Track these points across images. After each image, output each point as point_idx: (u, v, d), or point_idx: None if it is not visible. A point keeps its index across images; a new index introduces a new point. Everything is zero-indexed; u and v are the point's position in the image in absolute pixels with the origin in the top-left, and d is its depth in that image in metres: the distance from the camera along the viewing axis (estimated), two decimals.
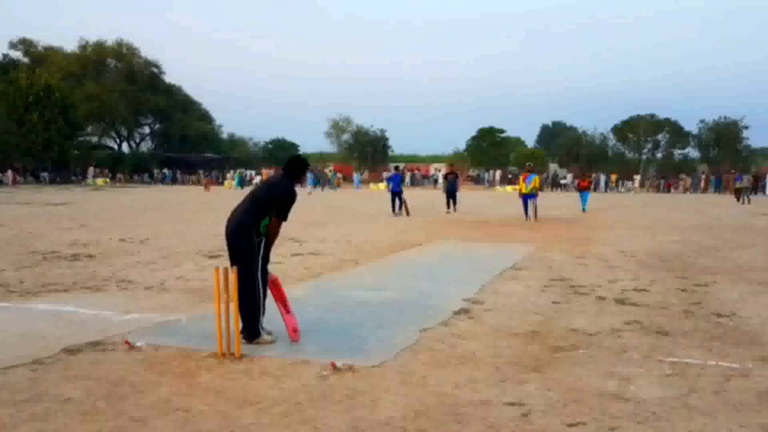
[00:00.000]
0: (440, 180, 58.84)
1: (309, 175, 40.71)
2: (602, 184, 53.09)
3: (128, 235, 12.87)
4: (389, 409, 3.63)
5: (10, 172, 48.63)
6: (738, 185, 31.93)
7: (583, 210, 22.20)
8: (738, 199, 30.85)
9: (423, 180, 58.81)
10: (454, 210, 20.95)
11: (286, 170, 5.28)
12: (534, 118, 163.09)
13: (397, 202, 19.90)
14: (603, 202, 31.47)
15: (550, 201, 32.55)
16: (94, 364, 4.42)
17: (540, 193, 19.45)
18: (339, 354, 4.64)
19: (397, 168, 24.09)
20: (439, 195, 22.00)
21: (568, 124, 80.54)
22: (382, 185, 48.44)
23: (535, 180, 18.15)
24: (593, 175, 48.44)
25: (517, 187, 20.09)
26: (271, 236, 5.06)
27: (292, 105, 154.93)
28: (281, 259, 9.67)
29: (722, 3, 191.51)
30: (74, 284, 7.52)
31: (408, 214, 19.46)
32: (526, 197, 18.10)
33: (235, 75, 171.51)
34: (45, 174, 51.56)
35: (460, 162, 61.55)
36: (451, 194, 21.26)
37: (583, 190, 23.75)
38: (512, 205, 22.78)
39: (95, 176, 53.85)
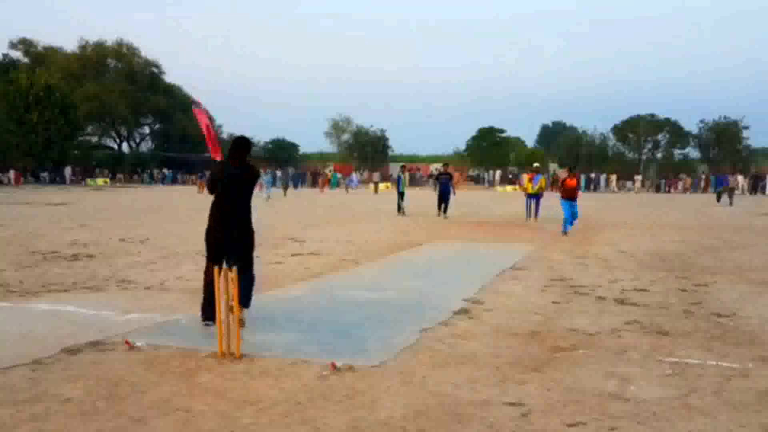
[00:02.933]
0: (431, 181, 58.77)
1: (265, 177, 32.65)
2: (602, 183, 53.11)
3: (128, 235, 12.86)
4: (389, 409, 3.63)
5: (12, 172, 48.43)
6: (723, 188, 31.52)
7: (564, 231, 14.25)
8: (718, 200, 30.08)
9: (428, 180, 58.64)
10: (445, 215, 19.02)
11: (232, 154, 5.58)
12: (534, 118, 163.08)
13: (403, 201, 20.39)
14: (603, 202, 31.47)
15: (549, 201, 32.49)
16: (94, 364, 4.42)
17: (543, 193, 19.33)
18: (339, 354, 4.64)
19: (403, 167, 24.52)
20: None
21: (568, 124, 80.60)
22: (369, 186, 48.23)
23: (541, 181, 18.21)
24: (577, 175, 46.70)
25: (516, 186, 19.67)
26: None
27: (292, 105, 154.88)
28: (281, 259, 9.68)
29: (723, 3, 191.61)
30: (74, 284, 7.52)
31: (403, 213, 19.96)
32: (532, 197, 18.08)
33: (235, 75, 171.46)
34: (45, 174, 51.53)
35: (460, 162, 61.55)
36: (444, 197, 19.32)
37: (568, 197, 14.63)
38: (512, 205, 22.79)
39: (73, 177, 52.75)
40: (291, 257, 10.00)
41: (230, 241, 5.30)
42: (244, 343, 4.80)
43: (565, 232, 14.16)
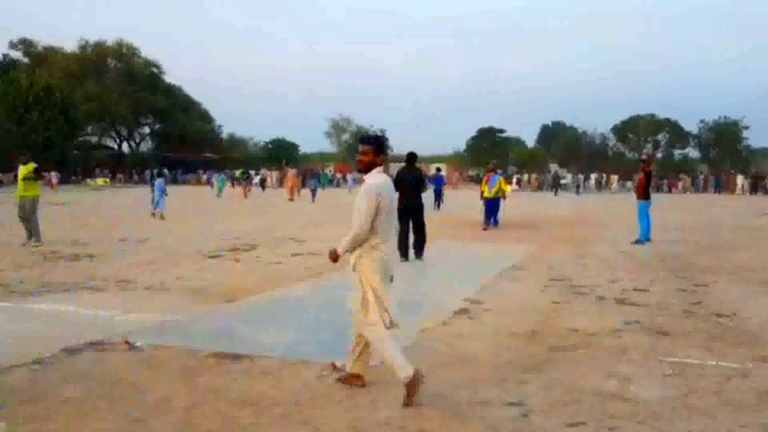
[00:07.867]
0: (433, 179, 58.65)
1: (159, 181, 21.24)
2: (592, 184, 53.16)
3: (128, 235, 12.86)
4: (389, 409, 3.63)
5: (54, 174, 42.54)
6: None
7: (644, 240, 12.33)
8: None
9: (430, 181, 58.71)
10: (495, 223, 15.85)
11: (408, 162, 9.72)
12: (534, 118, 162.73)
13: (438, 200, 22.97)
14: (603, 203, 31.48)
15: (551, 201, 32.62)
16: (94, 364, 4.42)
17: (508, 194, 16.83)
18: (339, 354, 4.63)
19: (438, 170, 26.97)
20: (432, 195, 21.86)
21: (568, 124, 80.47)
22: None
23: (499, 182, 15.60)
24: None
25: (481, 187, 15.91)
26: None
27: (292, 105, 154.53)
28: (282, 259, 9.68)
29: (723, 4, 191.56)
30: (74, 284, 7.51)
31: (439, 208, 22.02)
32: (489, 202, 15.41)
33: (236, 75, 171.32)
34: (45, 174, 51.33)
35: (460, 162, 61.59)
36: (494, 202, 15.76)
37: (644, 197, 12.81)
38: (512, 205, 22.74)
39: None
40: (291, 257, 10.00)
41: (407, 210, 8.91)
42: (243, 343, 4.81)
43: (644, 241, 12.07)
